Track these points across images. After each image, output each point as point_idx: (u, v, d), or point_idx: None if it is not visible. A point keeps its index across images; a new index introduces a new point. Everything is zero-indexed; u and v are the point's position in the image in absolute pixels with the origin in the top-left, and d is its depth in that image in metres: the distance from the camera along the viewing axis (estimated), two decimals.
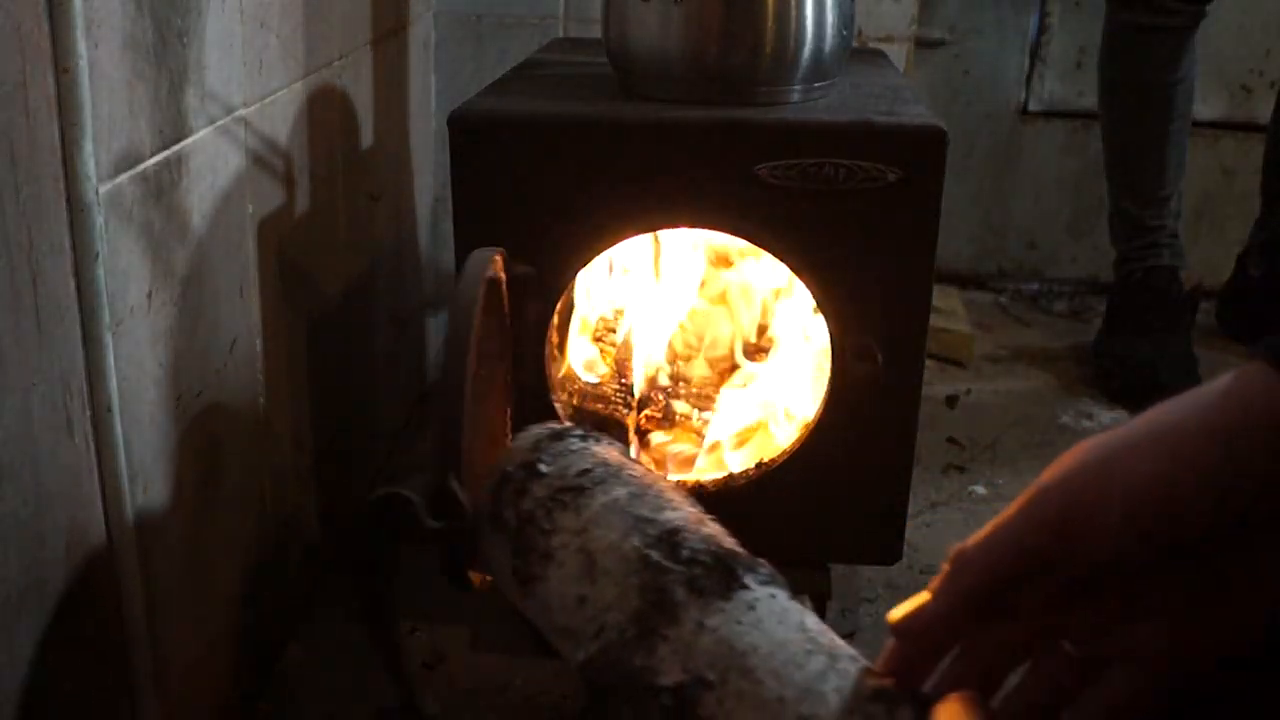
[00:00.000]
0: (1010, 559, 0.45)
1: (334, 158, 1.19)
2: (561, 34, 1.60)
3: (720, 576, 0.56)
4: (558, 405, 1.04)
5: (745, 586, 0.56)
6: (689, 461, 1.11)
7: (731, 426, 1.11)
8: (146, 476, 0.80)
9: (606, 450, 0.68)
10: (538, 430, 0.70)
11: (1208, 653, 0.43)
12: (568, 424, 0.75)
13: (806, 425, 1.04)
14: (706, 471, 1.09)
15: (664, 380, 1.17)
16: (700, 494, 1.02)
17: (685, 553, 0.58)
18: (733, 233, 0.98)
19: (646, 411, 1.15)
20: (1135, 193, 1.77)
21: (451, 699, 1.05)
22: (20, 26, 0.63)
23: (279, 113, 1.03)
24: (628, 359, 1.15)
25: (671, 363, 1.18)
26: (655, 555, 0.58)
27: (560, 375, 1.10)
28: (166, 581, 0.83)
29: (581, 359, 1.15)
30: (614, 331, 1.18)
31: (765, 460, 1.05)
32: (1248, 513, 0.41)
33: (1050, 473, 0.45)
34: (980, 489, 1.46)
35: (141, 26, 0.76)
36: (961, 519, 1.39)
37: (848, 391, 0.99)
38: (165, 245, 0.81)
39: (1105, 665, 0.46)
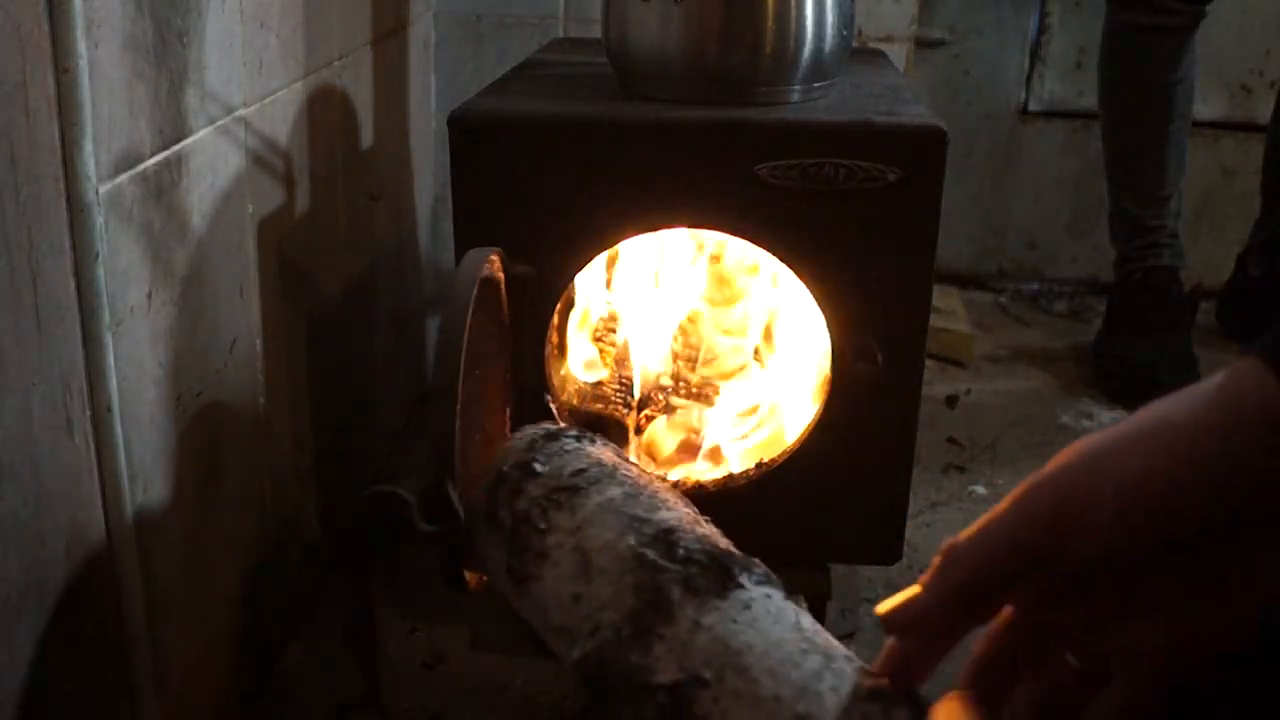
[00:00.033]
0: (1002, 554, 0.45)
1: (334, 158, 1.19)
2: (561, 34, 1.60)
3: (716, 576, 0.56)
4: (556, 406, 1.04)
5: (741, 586, 0.56)
6: (689, 449, 1.11)
7: (732, 426, 1.11)
8: (146, 476, 0.80)
9: (601, 451, 0.68)
10: (533, 430, 0.70)
11: (1203, 649, 0.43)
12: (563, 425, 0.75)
13: (807, 425, 1.04)
14: (706, 471, 1.09)
15: (664, 380, 1.17)
16: (700, 494, 1.02)
17: (681, 552, 0.58)
18: (733, 233, 0.98)
19: (646, 411, 1.15)
20: (1135, 193, 1.77)
21: (451, 699, 1.05)
22: (20, 26, 0.63)
23: (279, 113, 1.03)
24: (627, 359, 1.15)
25: (672, 362, 1.18)
26: (651, 554, 0.58)
27: (560, 375, 1.10)
28: (166, 581, 0.83)
29: (581, 359, 1.15)
30: (614, 331, 1.18)
31: (765, 460, 1.05)
32: (1242, 509, 0.41)
33: (1043, 469, 0.45)
34: (980, 489, 1.46)
35: (141, 26, 0.76)
36: (961, 519, 1.39)
37: (848, 391, 0.99)
38: (165, 245, 0.81)
39: (1106, 667, 0.45)
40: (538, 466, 0.66)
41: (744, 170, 0.94)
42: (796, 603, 0.57)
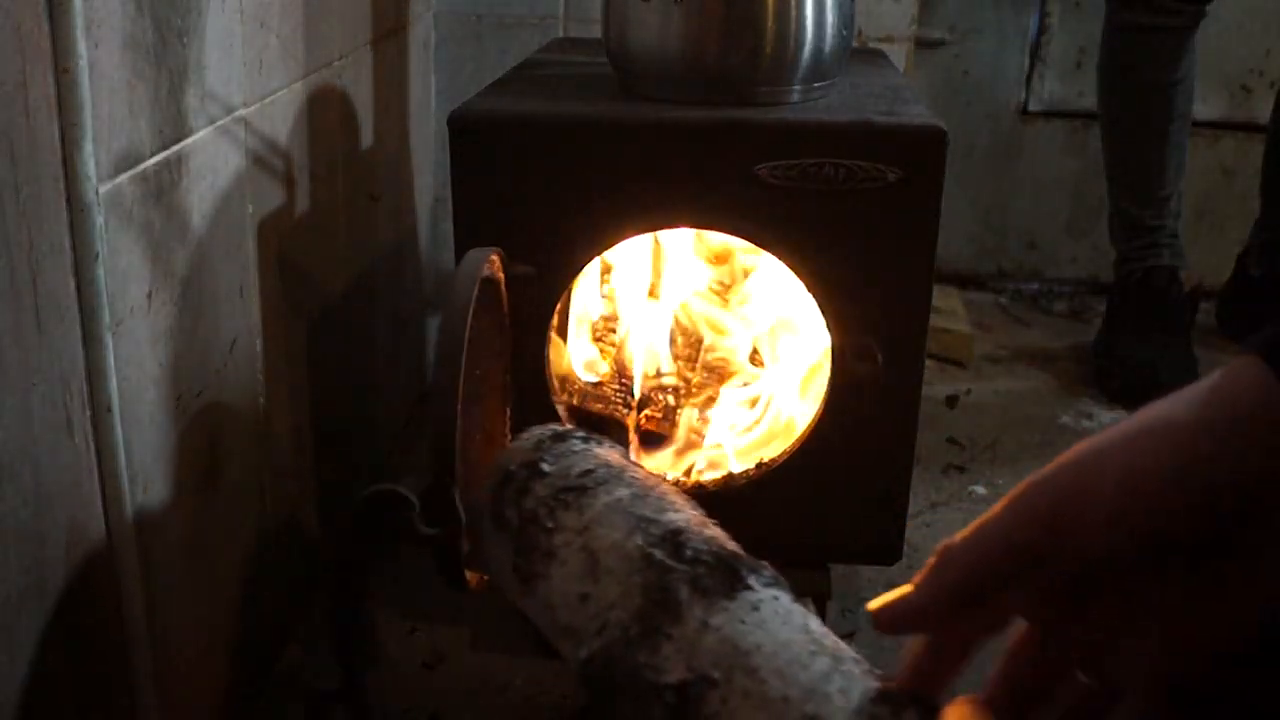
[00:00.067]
0: (998, 554, 0.45)
1: (334, 158, 1.19)
2: (561, 34, 1.60)
3: (724, 576, 0.56)
4: (558, 406, 1.04)
5: (749, 587, 0.56)
6: (689, 449, 1.11)
7: (732, 426, 1.11)
8: (146, 476, 0.80)
9: (608, 453, 0.68)
10: (540, 431, 0.70)
11: (1203, 650, 0.43)
12: (569, 426, 0.75)
13: (807, 425, 1.04)
14: (706, 471, 1.09)
15: (665, 380, 1.17)
16: (700, 494, 1.02)
17: (689, 552, 0.58)
18: (733, 233, 0.98)
19: (646, 411, 1.15)
20: (1135, 193, 1.77)
21: (451, 699, 1.05)
22: (20, 26, 0.63)
23: (279, 113, 1.03)
24: (627, 359, 1.15)
25: (672, 363, 1.18)
26: (659, 554, 0.58)
27: (560, 375, 1.10)
28: (166, 581, 0.83)
29: (581, 359, 1.15)
30: (614, 331, 1.18)
31: (765, 460, 1.05)
32: (1241, 508, 0.41)
33: (1042, 470, 0.44)
34: (980, 489, 1.46)
35: (141, 26, 0.76)
36: (961, 519, 1.39)
37: (848, 391, 0.99)
38: (165, 245, 0.81)
39: (1115, 683, 0.45)
40: (545, 466, 0.65)
41: (744, 170, 0.94)
42: (804, 605, 0.57)
